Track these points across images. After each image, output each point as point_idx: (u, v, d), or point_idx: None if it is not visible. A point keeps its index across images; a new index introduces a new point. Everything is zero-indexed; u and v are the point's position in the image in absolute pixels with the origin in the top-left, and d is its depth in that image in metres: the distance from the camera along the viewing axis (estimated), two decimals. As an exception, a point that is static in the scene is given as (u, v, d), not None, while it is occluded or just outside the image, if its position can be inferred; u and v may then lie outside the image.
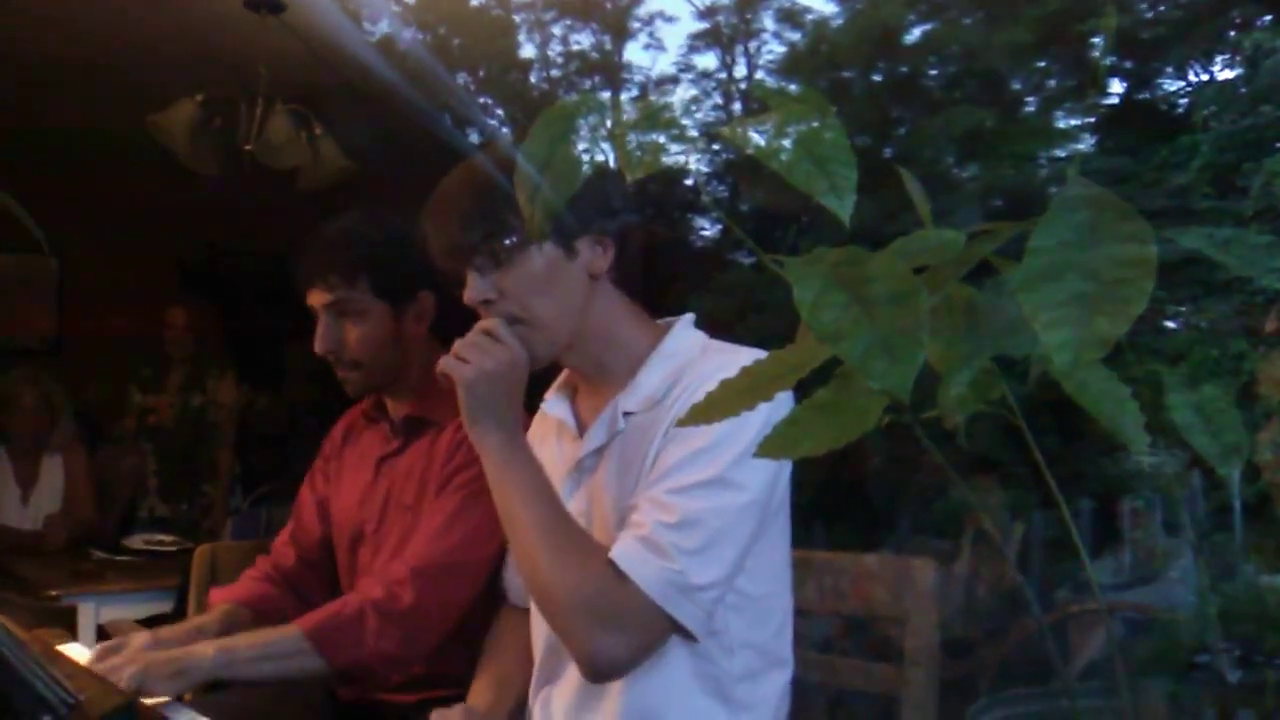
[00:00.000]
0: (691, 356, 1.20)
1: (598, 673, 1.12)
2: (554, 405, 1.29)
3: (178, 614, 2.65)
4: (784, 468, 1.15)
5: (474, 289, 1.17)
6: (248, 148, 3.25)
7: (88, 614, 2.81)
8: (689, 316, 1.26)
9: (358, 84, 3.48)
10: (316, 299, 1.59)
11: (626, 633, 1.08)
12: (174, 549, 3.28)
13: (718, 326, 1.28)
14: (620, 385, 1.21)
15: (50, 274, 5.32)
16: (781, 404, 1.02)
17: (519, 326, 1.17)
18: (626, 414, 1.19)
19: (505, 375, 1.14)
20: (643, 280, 1.25)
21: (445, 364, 1.15)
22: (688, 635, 1.11)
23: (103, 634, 2.60)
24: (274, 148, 3.25)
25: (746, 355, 1.15)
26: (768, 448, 0.54)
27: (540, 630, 1.28)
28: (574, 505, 1.21)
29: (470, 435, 1.17)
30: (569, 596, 1.09)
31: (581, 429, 1.25)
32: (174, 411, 3.90)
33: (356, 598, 1.50)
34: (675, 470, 1.10)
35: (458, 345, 1.16)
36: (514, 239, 1.14)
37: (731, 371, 0.57)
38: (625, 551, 1.09)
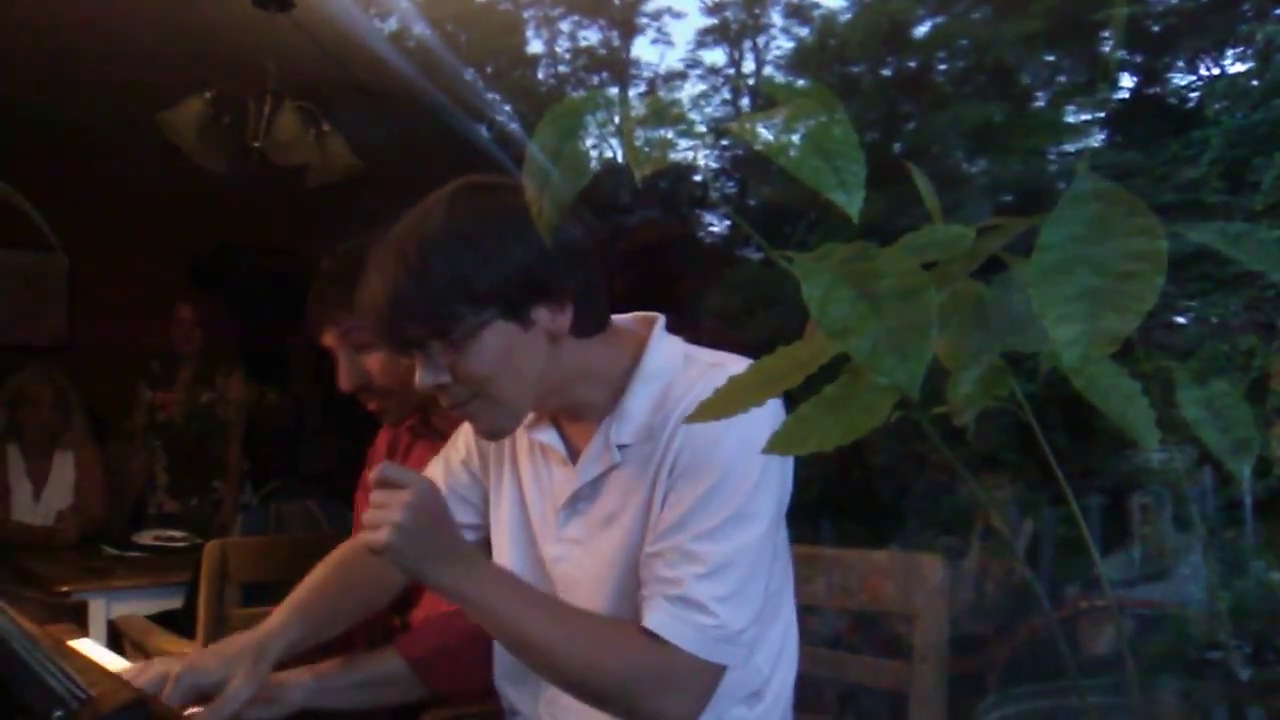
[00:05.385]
0: (675, 373, 1.15)
1: None
2: (538, 432, 1.22)
3: (188, 610, 2.66)
4: (787, 481, 1.14)
5: (425, 375, 1.09)
6: (256, 145, 3.26)
7: (98, 610, 2.83)
8: (661, 322, 1.19)
9: (366, 81, 3.48)
10: (329, 340, 1.55)
11: (686, 692, 1.07)
12: (184, 545, 3.29)
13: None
14: (604, 411, 1.16)
15: (61, 272, 5.33)
16: (777, 419, 1.02)
17: (477, 401, 1.10)
18: (621, 447, 1.14)
19: (419, 519, 1.04)
20: (610, 308, 1.17)
21: (364, 541, 1.06)
22: None
23: (113, 630, 2.61)
24: (282, 145, 3.26)
25: (733, 366, 1.14)
26: (776, 444, 0.54)
27: None
28: (569, 533, 1.19)
29: (429, 587, 1.11)
30: (618, 682, 1.08)
31: (571, 452, 1.20)
32: (183, 408, 3.90)
33: (461, 622, 1.39)
34: (694, 514, 1.08)
35: (364, 518, 1.06)
36: (464, 329, 1.06)
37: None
38: (663, 619, 1.06)
